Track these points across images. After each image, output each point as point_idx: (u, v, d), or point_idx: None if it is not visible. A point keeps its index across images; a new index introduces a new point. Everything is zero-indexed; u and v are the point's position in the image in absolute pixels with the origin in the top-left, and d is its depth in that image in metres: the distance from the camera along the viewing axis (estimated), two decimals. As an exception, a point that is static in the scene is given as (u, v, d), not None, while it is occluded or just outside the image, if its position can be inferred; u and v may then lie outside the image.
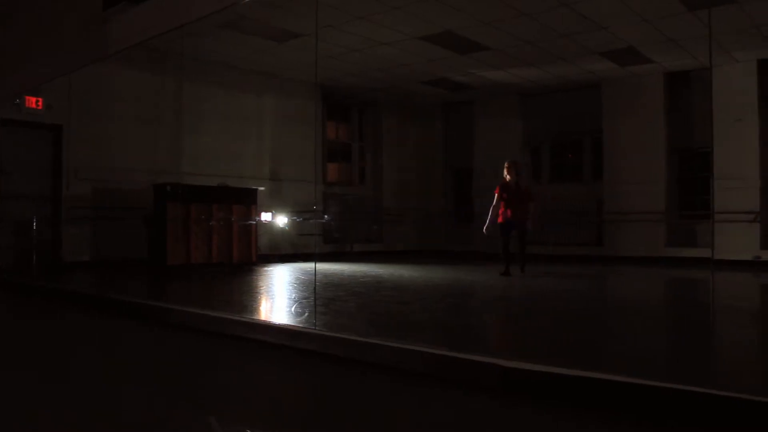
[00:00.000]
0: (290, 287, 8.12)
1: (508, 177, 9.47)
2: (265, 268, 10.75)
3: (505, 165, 9.58)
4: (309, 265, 10.68)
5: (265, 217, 11.90)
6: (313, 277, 7.99)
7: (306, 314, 5.49)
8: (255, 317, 5.48)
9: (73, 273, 9.95)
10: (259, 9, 9.44)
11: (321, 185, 14.15)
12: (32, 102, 10.46)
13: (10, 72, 9.35)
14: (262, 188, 11.65)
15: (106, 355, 4.43)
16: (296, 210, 12.59)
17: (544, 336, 4.85)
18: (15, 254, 10.26)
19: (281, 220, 12.36)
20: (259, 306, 6.49)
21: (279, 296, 7.24)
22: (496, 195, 9.42)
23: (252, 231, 11.29)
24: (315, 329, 4.54)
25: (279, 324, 4.91)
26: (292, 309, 5.94)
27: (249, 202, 11.28)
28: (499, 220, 9.39)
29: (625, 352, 4.13)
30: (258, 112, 13.29)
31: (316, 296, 5.58)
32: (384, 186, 15.71)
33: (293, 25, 10.18)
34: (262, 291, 7.93)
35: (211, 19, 6.54)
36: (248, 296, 7.34)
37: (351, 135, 15.57)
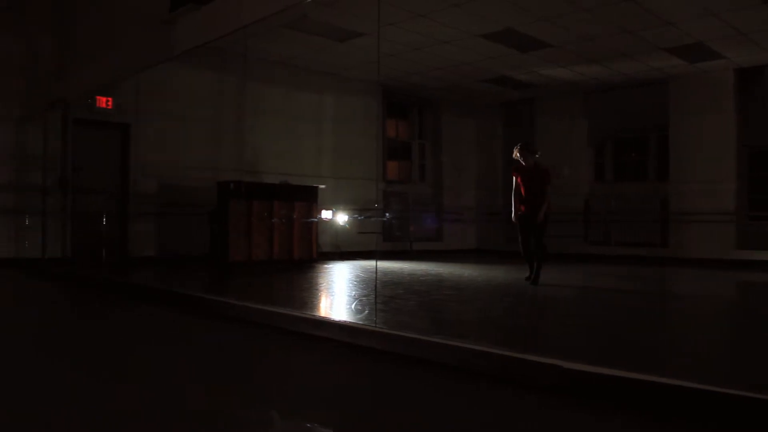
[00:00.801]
0: (350, 285, 8.17)
1: (522, 161, 8.04)
2: (326, 266, 10.84)
3: (516, 148, 8.09)
4: (369, 263, 10.73)
5: (326, 214, 12.01)
6: (373, 275, 8.02)
7: (366, 311, 5.51)
8: (315, 314, 5.53)
9: (139, 267, 10.22)
10: (320, 9, 9.53)
11: (381, 183, 14.20)
12: (102, 102, 10.81)
13: (82, 73, 9.65)
14: (322, 186, 11.75)
15: (168, 347, 4.53)
16: (356, 208, 12.67)
17: (606, 337, 4.77)
18: (85, 248, 10.59)
19: (341, 218, 12.45)
20: (320, 303, 6.55)
21: (339, 293, 7.29)
22: (515, 180, 8.08)
23: (313, 228, 11.40)
24: (375, 327, 4.55)
25: (339, 321, 4.94)
26: (353, 306, 5.97)
27: (310, 199, 11.39)
28: (515, 215, 8.05)
29: (693, 356, 4.02)
30: (319, 111, 13.41)
31: (376, 294, 5.59)
32: (444, 184, 15.68)
33: (354, 24, 10.24)
34: (322, 288, 8.00)
35: (273, 20, 6.62)
36: (308, 293, 7.41)
37: (411, 133, 15.57)
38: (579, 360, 3.34)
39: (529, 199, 7.85)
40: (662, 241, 13.16)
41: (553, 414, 3.04)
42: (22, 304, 7.00)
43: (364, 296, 6.61)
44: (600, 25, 9.92)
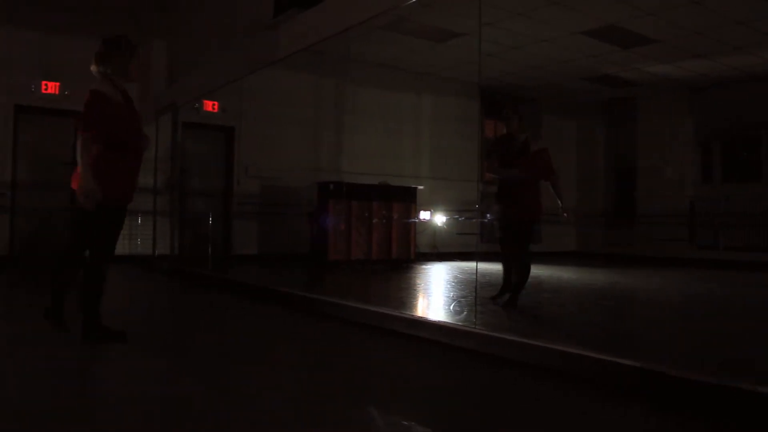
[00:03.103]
0: (448, 285, 8.18)
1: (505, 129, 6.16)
2: (423, 266, 10.89)
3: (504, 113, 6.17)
4: (466, 264, 10.71)
5: (424, 215, 12.05)
6: (471, 276, 8.00)
7: (465, 313, 5.51)
8: (413, 313, 5.58)
9: (242, 265, 10.55)
10: (418, 10, 9.57)
11: (480, 184, 14.12)
12: (209, 105, 11.25)
13: (190, 78, 10.07)
14: (421, 187, 11.80)
15: (270, 343, 4.68)
16: (454, 209, 12.65)
17: (711, 345, 4.60)
18: (192, 246, 11.04)
19: (440, 219, 12.47)
20: (417, 303, 6.60)
21: (437, 294, 7.32)
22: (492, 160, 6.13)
23: (411, 229, 11.47)
24: (474, 328, 4.56)
25: (437, 321, 4.96)
26: (451, 307, 5.99)
27: (408, 200, 11.46)
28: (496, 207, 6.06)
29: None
30: (416, 111, 13.47)
31: (477, 295, 5.59)
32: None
33: (452, 24, 10.24)
34: (420, 288, 8.05)
35: (374, 22, 6.71)
36: (407, 293, 7.48)
37: (509, 133, 15.38)
38: (686, 368, 3.24)
39: (511, 193, 5.84)
40: (776, 244, 12.50)
41: (662, 425, 2.98)
42: (135, 296, 7.37)
43: (463, 297, 6.61)
44: (708, 17, 9.51)
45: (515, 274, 5.60)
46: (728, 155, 13.74)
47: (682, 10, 9.29)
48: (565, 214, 5.92)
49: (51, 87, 10.41)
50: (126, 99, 4.35)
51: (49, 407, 2.92)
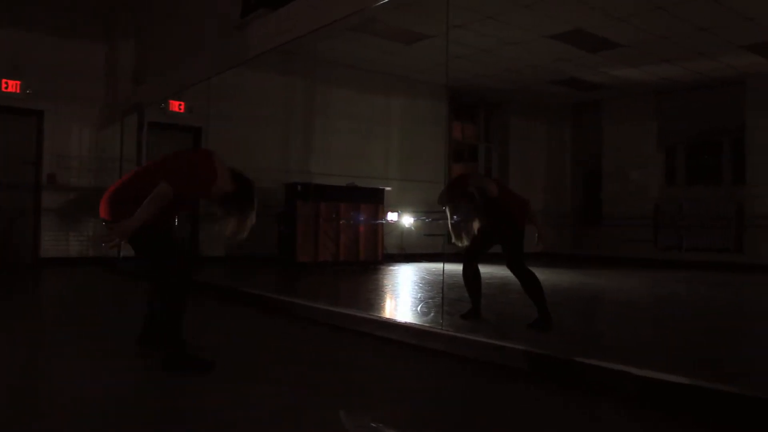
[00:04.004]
0: (416, 287, 8.19)
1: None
2: (391, 267, 10.89)
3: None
4: (434, 266, 10.73)
5: (392, 216, 12.05)
6: (439, 277, 8.01)
7: (432, 314, 5.52)
8: (381, 315, 5.57)
9: (209, 267, 10.44)
10: (388, 11, 9.57)
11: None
12: (175, 105, 11.11)
13: (157, 78, 9.95)
14: (389, 188, 11.80)
15: (238, 343, 4.64)
16: (423, 210, 12.66)
17: (682, 345, 4.66)
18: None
19: (407, 220, 12.48)
20: (385, 304, 6.59)
21: (404, 295, 7.32)
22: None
23: (378, 230, 11.46)
24: (441, 329, 4.56)
25: (405, 322, 4.96)
26: (418, 308, 5.99)
27: (376, 201, 11.46)
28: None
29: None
30: (386, 113, 13.48)
31: (443, 296, 5.60)
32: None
33: (422, 26, 10.26)
34: (387, 289, 8.04)
35: (343, 23, 6.70)
36: (374, 294, 7.47)
37: (477, 135, 15.48)
38: (653, 368, 3.28)
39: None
40: (737, 246, 12.73)
41: (641, 426, 3.00)
42: (99, 299, 7.26)
43: (430, 299, 6.62)
44: (673, 23, 9.65)
45: (527, 290, 5.06)
46: (692, 159, 13.96)
47: (648, 16, 9.42)
48: (546, 241, 5.37)
49: (12, 85, 10.20)
50: None
51: (7, 412, 2.85)
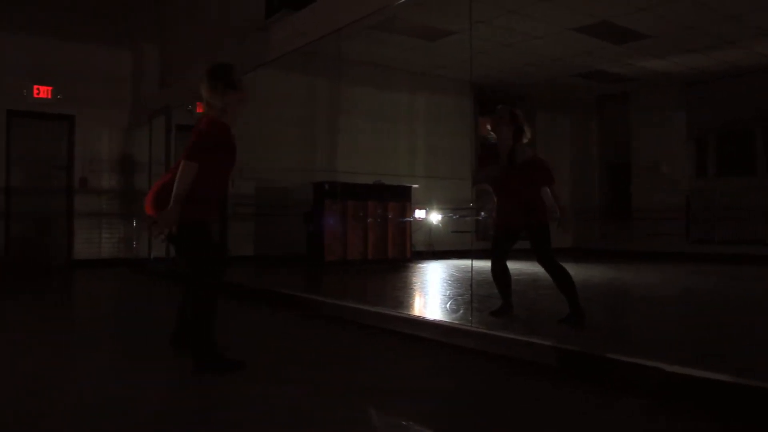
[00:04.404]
0: (444, 284, 8.18)
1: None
2: (419, 265, 10.89)
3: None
4: (462, 263, 10.70)
5: (419, 214, 12.03)
6: (467, 274, 7.99)
7: (461, 311, 5.51)
8: (410, 313, 5.58)
9: (238, 267, 10.52)
10: (410, 9, 9.56)
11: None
12: (201, 107, 11.19)
13: (183, 81, 10.05)
14: (416, 185, 11.79)
15: (267, 343, 4.67)
16: (450, 207, 12.64)
17: (710, 341, 4.61)
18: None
19: (435, 217, 12.46)
20: (414, 302, 6.59)
21: (433, 293, 7.32)
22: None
23: (406, 228, 11.46)
24: (471, 326, 4.56)
25: (434, 320, 4.96)
26: (447, 306, 5.99)
27: (403, 199, 11.46)
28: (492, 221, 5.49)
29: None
30: (411, 111, 13.46)
31: (472, 293, 5.59)
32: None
33: (444, 23, 10.22)
34: (416, 287, 8.05)
35: (365, 22, 6.71)
36: (403, 292, 7.47)
37: (503, 131, 15.36)
38: (683, 364, 3.24)
39: (508, 200, 5.27)
40: (772, 238, 12.50)
41: (671, 424, 2.98)
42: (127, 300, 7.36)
43: (459, 296, 6.61)
44: (701, 11, 9.51)
45: (559, 285, 4.93)
46: (722, 149, 13.73)
47: (674, 5, 9.29)
48: (566, 221, 5.32)
49: (43, 91, 10.38)
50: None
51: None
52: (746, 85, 12.79)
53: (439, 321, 4.90)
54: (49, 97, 10.41)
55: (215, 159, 3.80)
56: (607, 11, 9.63)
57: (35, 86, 10.31)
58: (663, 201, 13.65)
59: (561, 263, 4.98)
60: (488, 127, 5.39)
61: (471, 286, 5.70)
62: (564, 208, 5.25)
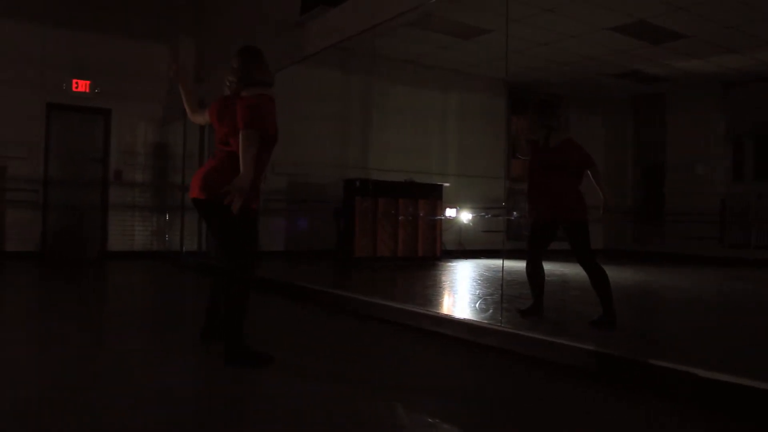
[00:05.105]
0: (474, 283, 8.16)
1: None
2: (449, 264, 10.87)
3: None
4: (492, 262, 10.66)
5: (450, 212, 12.00)
6: (497, 274, 7.97)
7: (490, 311, 5.49)
8: (439, 311, 5.58)
9: (268, 261, 10.59)
10: (446, 6, 9.54)
11: (507, 181, 14.03)
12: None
13: (216, 75, 10.13)
14: (447, 184, 11.76)
15: (295, 338, 4.70)
16: (481, 206, 12.59)
17: (742, 346, 4.53)
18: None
19: (465, 216, 12.41)
20: (443, 300, 6.59)
21: (462, 292, 7.30)
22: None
23: (437, 226, 11.44)
24: (500, 326, 4.54)
25: (463, 319, 4.95)
26: (477, 305, 5.97)
27: (434, 197, 11.44)
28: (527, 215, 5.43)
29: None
30: (443, 108, 13.43)
31: (502, 293, 5.56)
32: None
33: (479, 21, 10.18)
34: (446, 286, 8.03)
35: (401, 19, 6.71)
36: (432, 290, 7.47)
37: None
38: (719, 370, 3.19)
39: (541, 192, 5.19)
40: (810, 243, 12.25)
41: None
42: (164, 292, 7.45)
43: (488, 295, 6.59)
44: (740, 11, 9.33)
45: (595, 285, 4.86)
46: (761, 152, 13.47)
47: (714, 5, 9.14)
48: (609, 207, 5.21)
49: (81, 85, 10.55)
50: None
51: (78, 401, 2.95)
52: (786, 86, 12.53)
53: (467, 320, 4.89)
54: (87, 90, 10.58)
55: (265, 136, 3.79)
56: (644, 11, 9.51)
57: (74, 80, 10.48)
58: (698, 203, 13.45)
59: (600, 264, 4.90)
60: (523, 126, 5.35)
61: (501, 286, 5.67)
62: (607, 194, 5.23)
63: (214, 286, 4.22)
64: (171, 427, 2.73)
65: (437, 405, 3.16)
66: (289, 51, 7.97)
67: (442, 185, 11.62)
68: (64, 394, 3.13)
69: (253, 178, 3.68)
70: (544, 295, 5.23)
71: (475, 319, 5.00)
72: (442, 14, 9.95)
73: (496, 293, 6.42)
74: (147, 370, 3.72)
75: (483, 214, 12.49)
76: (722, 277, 10.32)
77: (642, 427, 2.92)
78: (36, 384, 3.34)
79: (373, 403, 3.13)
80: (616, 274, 9.36)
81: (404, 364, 4.10)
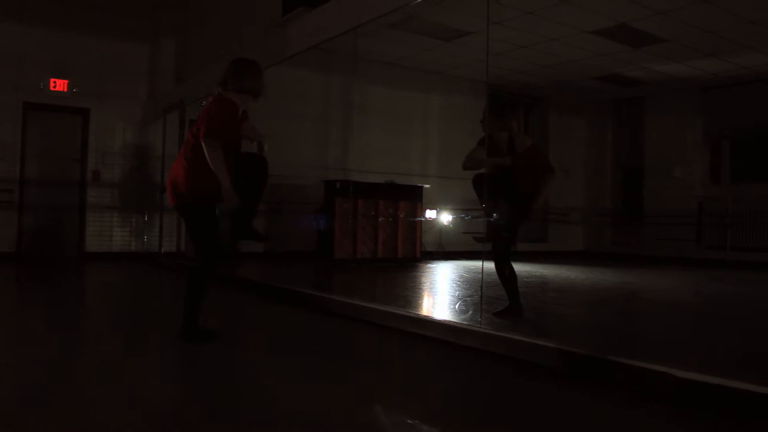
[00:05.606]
0: (454, 285, 8.17)
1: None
2: (429, 265, 10.88)
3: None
4: (472, 263, 10.68)
5: (430, 214, 12.01)
6: (478, 275, 7.98)
7: (470, 312, 5.50)
8: (419, 312, 5.57)
9: (247, 262, 10.54)
10: (427, 8, 9.54)
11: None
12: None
13: (199, 76, 10.07)
14: (427, 185, 11.77)
15: (273, 339, 4.68)
16: (461, 208, 12.61)
17: (729, 348, 4.57)
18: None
19: (445, 218, 12.43)
20: (423, 301, 6.58)
21: (443, 293, 7.30)
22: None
23: (417, 228, 11.45)
24: (480, 327, 4.54)
25: (443, 320, 4.95)
26: (457, 306, 5.97)
27: (415, 199, 11.45)
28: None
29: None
30: (424, 110, 13.44)
31: (482, 294, 5.56)
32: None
33: (460, 23, 10.21)
34: (426, 287, 8.03)
35: (382, 21, 6.71)
36: (412, 291, 7.46)
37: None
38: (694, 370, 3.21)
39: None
40: (785, 245, 12.39)
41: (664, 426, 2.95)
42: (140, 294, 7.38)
43: (468, 297, 6.59)
44: (719, 15, 9.42)
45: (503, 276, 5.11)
46: (737, 155, 13.62)
47: (692, 9, 9.23)
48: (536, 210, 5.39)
49: (60, 84, 10.44)
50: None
51: (52, 404, 2.91)
52: (763, 90, 12.67)
53: (447, 321, 4.88)
54: (66, 90, 10.47)
55: (225, 137, 4.23)
56: (624, 14, 9.58)
57: (52, 79, 10.37)
58: (676, 206, 13.57)
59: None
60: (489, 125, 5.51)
61: (481, 287, 5.67)
62: (541, 201, 5.36)
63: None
64: (147, 428, 2.70)
65: (417, 406, 3.15)
66: (270, 51, 7.95)
67: (422, 187, 11.63)
68: (42, 394, 3.09)
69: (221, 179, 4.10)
70: (520, 297, 5.24)
71: (455, 320, 5.00)
72: (424, 16, 9.95)
73: (476, 294, 6.42)
74: (124, 370, 3.68)
75: (463, 215, 12.51)
76: (699, 278, 10.41)
77: (622, 427, 2.93)
78: (12, 384, 3.28)
79: (353, 404, 3.11)
80: (594, 275, 9.43)
81: (385, 366, 4.09)
